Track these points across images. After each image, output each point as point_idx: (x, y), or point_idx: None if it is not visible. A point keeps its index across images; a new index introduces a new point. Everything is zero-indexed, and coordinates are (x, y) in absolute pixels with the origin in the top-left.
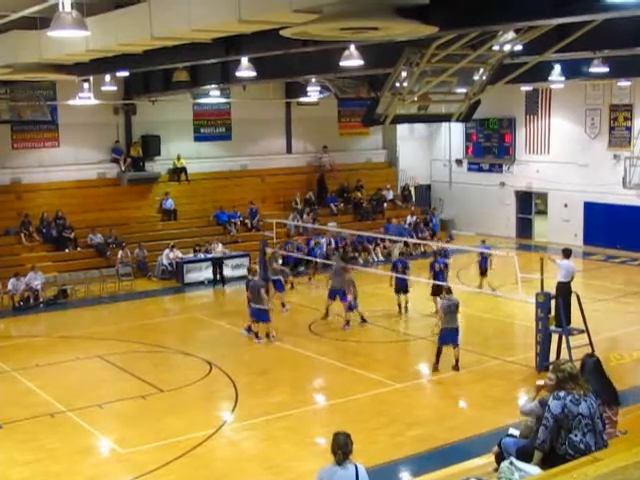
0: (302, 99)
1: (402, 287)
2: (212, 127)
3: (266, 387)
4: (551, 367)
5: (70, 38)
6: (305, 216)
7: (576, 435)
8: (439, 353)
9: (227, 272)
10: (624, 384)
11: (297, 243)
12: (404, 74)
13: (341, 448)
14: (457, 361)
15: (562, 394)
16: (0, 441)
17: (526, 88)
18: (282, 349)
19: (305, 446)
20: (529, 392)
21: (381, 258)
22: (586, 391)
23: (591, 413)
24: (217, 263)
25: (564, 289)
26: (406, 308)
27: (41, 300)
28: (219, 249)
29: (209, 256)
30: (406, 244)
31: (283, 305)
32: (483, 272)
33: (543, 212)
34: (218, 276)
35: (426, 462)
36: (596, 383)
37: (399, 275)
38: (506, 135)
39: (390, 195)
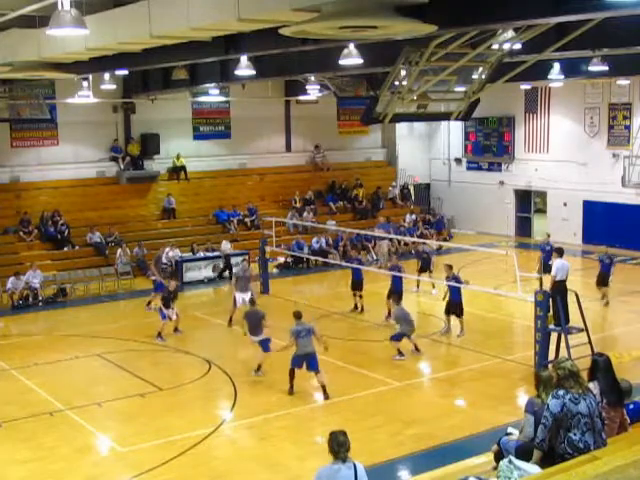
0: (301, 97)
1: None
2: (211, 126)
3: (265, 386)
4: (550, 365)
5: (69, 36)
6: (305, 214)
7: (575, 434)
8: (291, 377)
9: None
10: None
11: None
12: (403, 73)
13: (342, 446)
14: (324, 388)
15: (561, 393)
16: None
17: (525, 87)
18: None
19: (304, 445)
20: (528, 391)
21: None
22: (585, 390)
23: (590, 412)
24: (226, 260)
25: (561, 288)
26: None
27: (40, 299)
28: (227, 247)
29: (213, 254)
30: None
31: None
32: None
33: (542, 211)
34: (226, 273)
35: (425, 461)
36: (605, 382)
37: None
38: (505, 134)
39: (395, 192)
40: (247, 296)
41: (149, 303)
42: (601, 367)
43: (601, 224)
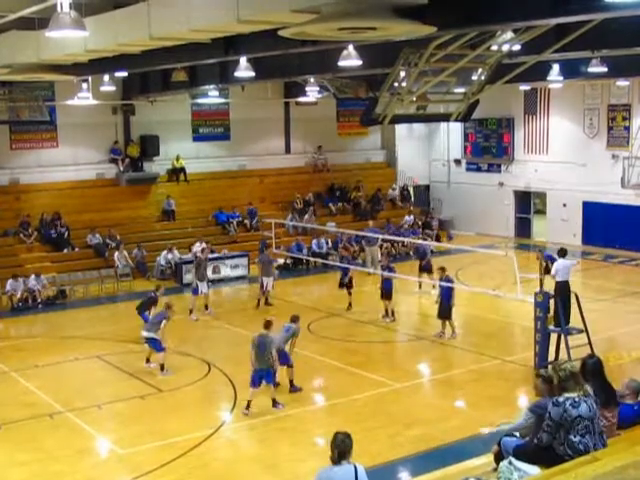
0: (301, 99)
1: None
2: (211, 127)
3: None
4: (550, 367)
5: (68, 38)
6: (305, 216)
7: (575, 436)
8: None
9: (226, 272)
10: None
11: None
12: (403, 74)
13: (338, 447)
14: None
15: (561, 400)
16: None
17: (525, 88)
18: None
19: (304, 446)
20: (528, 392)
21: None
22: (586, 392)
23: (591, 414)
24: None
25: (563, 288)
26: (392, 312)
27: (39, 301)
28: (197, 248)
29: (213, 256)
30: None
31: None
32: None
33: (542, 212)
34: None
35: (425, 462)
36: (595, 384)
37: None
38: (505, 135)
39: (396, 194)
40: (271, 280)
41: (191, 312)
42: (590, 369)
43: (601, 225)
